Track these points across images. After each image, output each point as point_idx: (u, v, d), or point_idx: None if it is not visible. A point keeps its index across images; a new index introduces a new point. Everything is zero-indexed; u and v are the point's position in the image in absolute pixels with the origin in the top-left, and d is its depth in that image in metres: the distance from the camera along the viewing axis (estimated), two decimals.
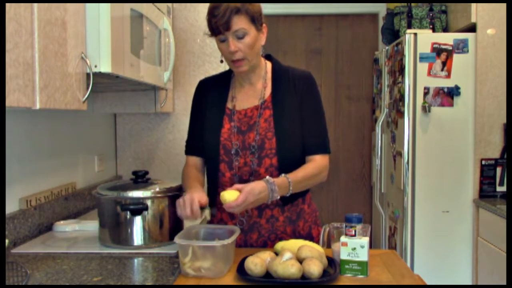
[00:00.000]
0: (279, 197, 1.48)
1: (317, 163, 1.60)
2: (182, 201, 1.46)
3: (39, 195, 1.90)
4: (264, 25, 1.58)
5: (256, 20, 1.52)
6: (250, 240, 1.62)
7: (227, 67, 1.68)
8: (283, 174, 1.51)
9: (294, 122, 1.59)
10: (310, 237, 1.65)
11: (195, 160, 1.72)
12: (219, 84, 1.70)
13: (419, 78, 2.93)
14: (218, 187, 1.63)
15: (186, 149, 1.76)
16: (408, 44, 2.94)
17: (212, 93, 1.68)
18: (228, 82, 1.70)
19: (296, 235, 1.63)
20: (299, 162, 1.60)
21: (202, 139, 1.65)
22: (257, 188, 1.42)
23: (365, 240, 1.33)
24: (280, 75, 1.65)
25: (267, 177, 1.47)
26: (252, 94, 1.64)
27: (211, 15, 1.49)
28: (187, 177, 1.65)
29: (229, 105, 1.65)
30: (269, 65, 1.68)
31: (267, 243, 1.62)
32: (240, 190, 1.41)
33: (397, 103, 3.12)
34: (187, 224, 1.75)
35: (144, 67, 1.92)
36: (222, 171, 1.61)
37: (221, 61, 1.63)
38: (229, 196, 1.40)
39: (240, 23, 1.48)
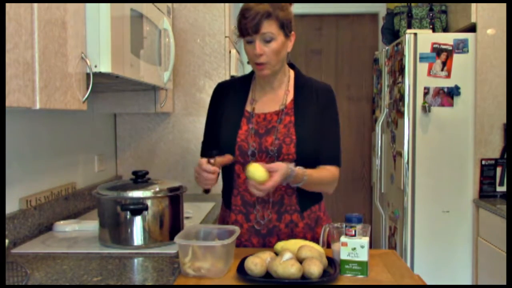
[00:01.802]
0: (290, 185, 1.50)
1: (330, 172, 1.61)
2: (197, 175, 1.48)
3: (39, 195, 1.90)
4: (293, 32, 1.60)
5: (285, 26, 1.55)
6: (269, 244, 1.61)
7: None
8: (301, 167, 1.51)
9: (313, 131, 1.60)
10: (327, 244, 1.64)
11: None
12: (239, 87, 1.70)
13: (419, 78, 2.93)
14: (233, 189, 1.63)
15: (202, 152, 1.76)
16: (408, 44, 2.94)
17: (231, 96, 1.69)
18: (248, 85, 1.70)
19: (315, 241, 1.61)
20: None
21: (218, 140, 1.64)
22: (286, 173, 1.43)
23: (365, 240, 1.33)
24: (302, 84, 1.66)
25: (290, 164, 1.47)
26: (273, 99, 1.65)
27: (242, 16, 1.52)
28: None
29: (248, 107, 1.65)
30: (292, 73, 1.69)
31: None
32: (269, 171, 1.40)
33: (397, 103, 3.12)
34: (187, 224, 1.75)
35: (144, 67, 1.92)
36: (237, 172, 1.61)
37: (248, 62, 1.66)
38: (259, 174, 1.37)
39: (269, 27, 1.50)
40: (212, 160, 1.46)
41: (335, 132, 1.67)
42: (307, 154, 1.57)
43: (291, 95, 1.65)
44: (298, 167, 1.50)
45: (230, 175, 1.63)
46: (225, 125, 1.64)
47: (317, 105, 1.63)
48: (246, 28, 1.50)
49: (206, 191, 1.53)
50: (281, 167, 1.42)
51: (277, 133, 1.58)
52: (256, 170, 1.37)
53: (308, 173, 1.51)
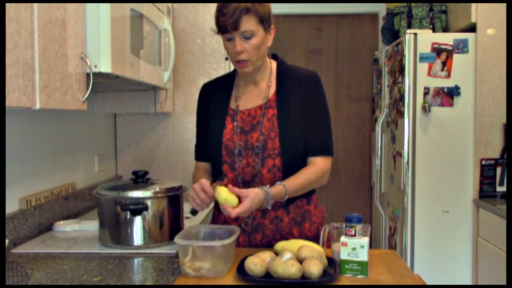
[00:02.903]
0: (270, 207, 1.47)
1: (318, 167, 1.57)
2: (193, 193, 1.43)
3: (39, 195, 1.90)
4: (272, 26, 1.55)
5: (265, 21, 1.50)
6: (255, 240, 1.61)
7: (229, 65, 1.67)
8: (279, 182, 1.49)
9: (298, 122, 1.56)
10: (317, 238, 1.62)
11: (205, 165, 1.71)
12: (223, 86, 1.68)
13: (419, 78, 2.93)
14: None
15: (195, 155, 1.75)
16: (408, 44, 2.94)
17: (216, 96, 1.67)
18: (232, 83, 1.68)
19: (302, 236, 1.61)
20: (302, 162, 1.58)
21: (206, 142, 1.64)
22: (257, 198, 1.41)
23: (365, 240, 1.33)
24: (285, 74, 1.62)
25: (266, 187, 1.45)
26: (257, 93, 1.62)
27: (219, 13, 1.47)
28: (195, 178, 1.64)
29: (232, 105, 1.63)
30: (274, 64, 1.65)
31: (272, 243, 1.60)
32: (238, 196, 1.39)
33: (397, 103, 3.12)
34: (187, 224, 1.75)
35: (144, 67, 1.92)
36: (225, 172, 1.59)
37: (226, 58, 1.61)
38: (231, 199, 1.38)
39: (248, 24, 1.46)
40: (214, 184, 1.42)
41: (322, 120, 1.61)
42: (292, 147, 1.54)
43: (273, 88, 1.61)
44: (277, 183, 1.48)
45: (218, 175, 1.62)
46: (211, 126, 1.62)
47: (301, 94, 1.58)
48: (225, 25, 1.46)
49: (195, 212, 1.46)
50: (252, 193, 1.40)
51: (262, 128, 1.56)
52: (228, 196, 1.38)
53: (289, 184, 1.49)
